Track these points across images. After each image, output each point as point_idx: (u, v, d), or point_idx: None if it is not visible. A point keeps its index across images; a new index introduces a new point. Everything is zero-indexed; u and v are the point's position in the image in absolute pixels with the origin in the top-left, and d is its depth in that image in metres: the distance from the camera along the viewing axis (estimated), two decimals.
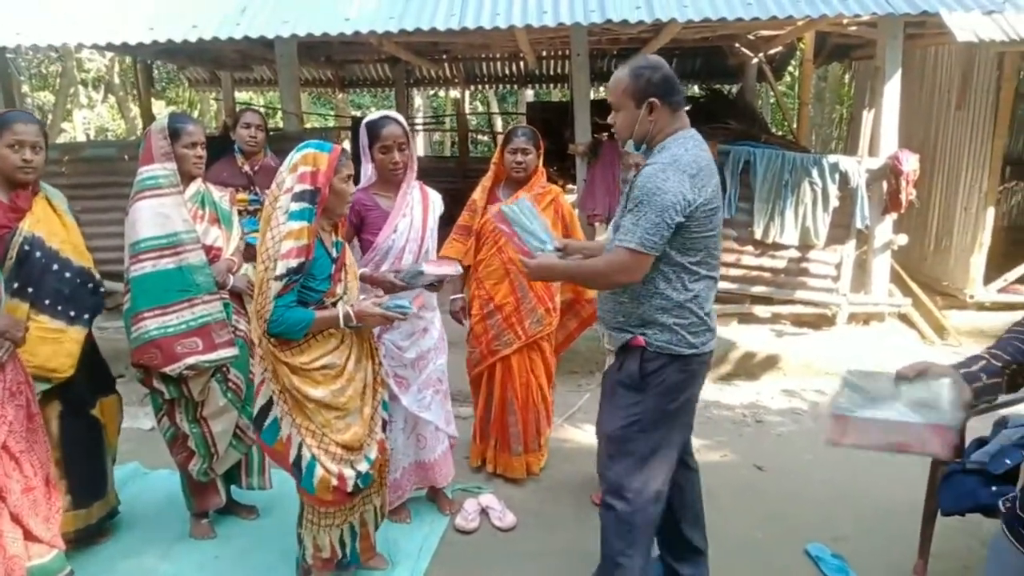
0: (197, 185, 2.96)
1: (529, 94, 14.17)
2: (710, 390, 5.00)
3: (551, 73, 10.92)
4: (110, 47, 6.01)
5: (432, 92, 15.87)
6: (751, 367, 5.21)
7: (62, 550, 2.26)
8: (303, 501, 2.56)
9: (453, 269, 2.88)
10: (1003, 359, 1.46)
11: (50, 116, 13.71)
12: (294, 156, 2.32)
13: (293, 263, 2.22)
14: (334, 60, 9.51)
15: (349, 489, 2.44)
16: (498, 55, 10.04)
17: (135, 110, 15.09)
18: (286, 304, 2.24)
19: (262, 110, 4.81)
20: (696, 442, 4.00)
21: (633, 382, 2.32)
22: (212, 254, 2.93)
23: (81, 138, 15.26)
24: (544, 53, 9.52)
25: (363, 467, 2.47)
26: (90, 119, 16.73)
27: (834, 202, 5.35)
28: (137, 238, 2.76)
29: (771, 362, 5.19)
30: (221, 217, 3.02)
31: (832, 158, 5.40)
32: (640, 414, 2.32)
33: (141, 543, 3.10)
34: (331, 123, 13.19)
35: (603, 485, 2.46)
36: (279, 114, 9.54)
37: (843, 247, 5.52)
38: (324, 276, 2.35)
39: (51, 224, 2.75)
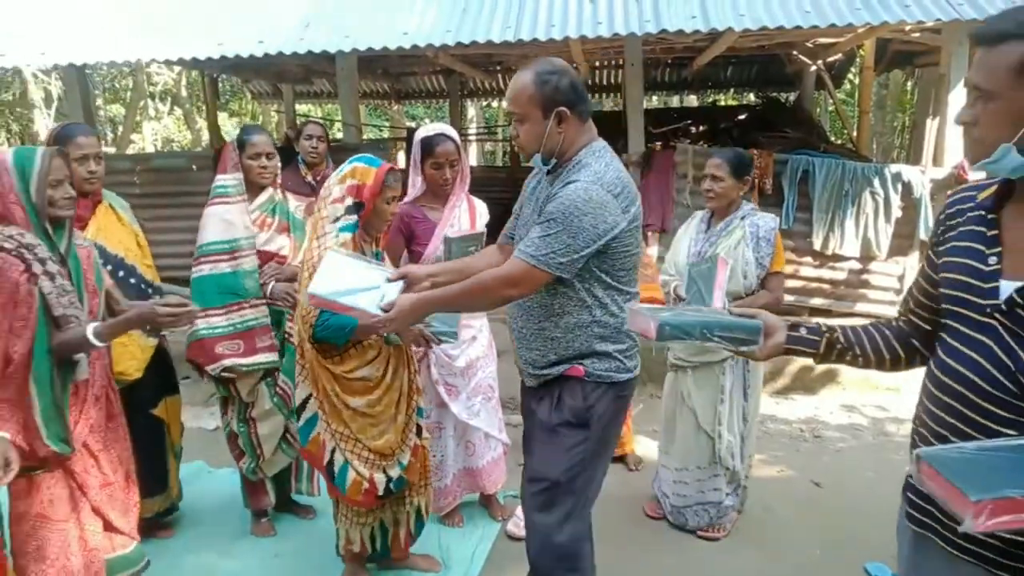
0: (269, 194, 3.07)
1: None
2: (766, 404, 4.92)
3: (603, 83, 10.92)
4: (181, 62, 6.27)
5: (485, 103, 16.01)
6: (809, 381, 5.10)
7: (139, 542, 2.37)
8: (337, 500, 2.66)
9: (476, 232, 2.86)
10: (835, 328, 1.50)
11: (120, 128, 14.33)
12: (344, 168, 2.44)
13: None
14: (391, 73, 9.70)
15: (380, 493, 2.53)
16: None
17: (200, 122, 15.68)
18: None
19: (323, 122, 4.95)
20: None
21: (578, 418, 2.11)
22: (276, 261, 3.04)
23: (150, 149, 15.90)
24: (597, 63, 9.53)
25: (395, 472, 2.55)
26: (157, 131, 17.42)
27: (896, 212, 5.21)
28: (202, 242, 2.94)
29: (830, 376, 5.07)
30: (292, 226, 3.13)
31: (895, 168, 5.26)
32: (584, 451, 2.14)
33: (205, 539, 3.22)
34: (386, 134, 13.43)
35: (535, 534, 2.23)
36: (336, 125, 9.80)
37: (906, 259, 5.35)
38: None
39: (114, 231, 2.90)
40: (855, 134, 7.93)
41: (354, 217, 2.39)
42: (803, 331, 1.48)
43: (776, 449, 4.20)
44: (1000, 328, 1.21)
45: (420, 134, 3.04)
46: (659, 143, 7.88)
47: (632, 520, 3.37)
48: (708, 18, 4.64)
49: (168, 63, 8.36)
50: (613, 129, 8.02)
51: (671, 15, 4.72)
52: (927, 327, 1.44)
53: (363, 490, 2.51)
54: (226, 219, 2.92)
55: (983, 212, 1.29)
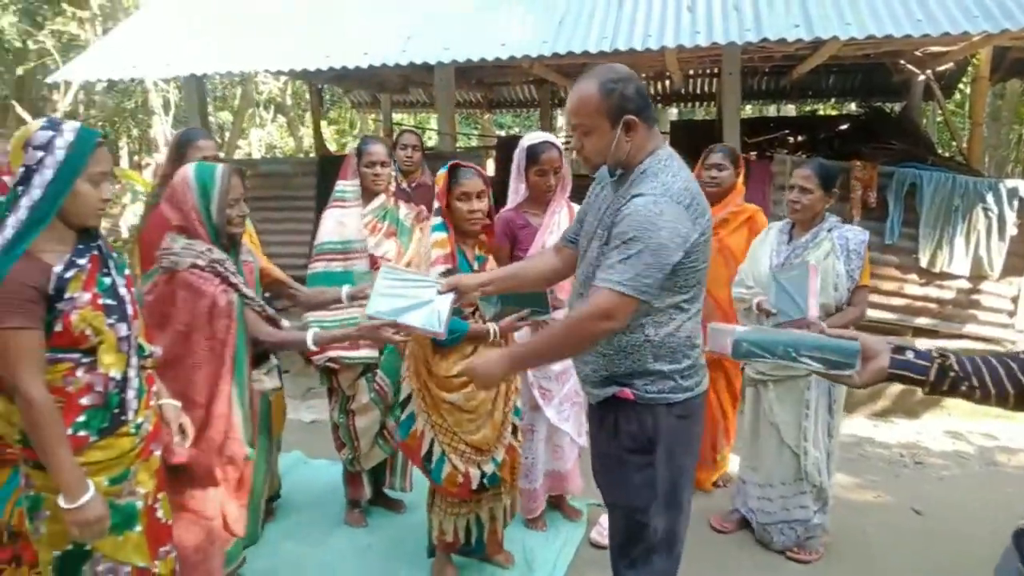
0: (381, 200, 3.21)
1: (673, 112, 14.01)
2: (863, 426, 4.73)
3: (697, 91, 10.75)
4: (291, 73, 6.61)
5: None
6: (911, 405, 4.87)
7: (241, 537, 2.52)
8: (432, 491, 2.76)
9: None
10: (947, 353, 1.33)
11: (227, 134, 15.14)
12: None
13: (441, 269, 2.47)
14: (484, 82, 9.88)
15: (474, 487, 2.61)
16: (643, 74, 10.03)
17: (303, 129, 16.39)
18: None
19: (418, 131, 5.11)
20: (847, 479, 3.84)
21: (638, 444, 2.00)
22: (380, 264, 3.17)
23: (255, 155, 16.74)
24: (691, 71, 9.41)
25: (489, 468, 2.64)
26: (261, 137, 18.32)
27: (1011, 230, 4.91)
28: (319, 241, 3.12)
29: (934, 400, 4.82)
30: (399, 231, 3.25)
31: (1010, 182, 4.97)
32: (653, 476, 2.01)
33: (301, 527, 3.38)
34: (474, 142, 13.68)
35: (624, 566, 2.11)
36: (427, 133, 10.05)
37: (1021, 279, 5.04)
38: None
39: None
40: (966, 146, 7.52)
41: (439, 219, 2.56)
42: (910, 355, 1.34)
43: (874, 474, 4.03)
44: None
45: (525, 142, 3.10)
46: (754, 153, 7.72)
47: (708, 537, 3.31)
48: (812, 26, 4.51)
49: (279, 73, 8.80)
50: (705, 138, 7.92)
51: (772, 23, 4.62)
52: None
53: (458, 482, 2.61)
54: (341, 221, 3.09)
55: None
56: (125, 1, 11.77)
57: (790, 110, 13.43)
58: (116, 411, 1.79)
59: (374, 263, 3.13)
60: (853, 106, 10.55)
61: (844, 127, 8.58)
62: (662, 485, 2.02)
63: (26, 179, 1.66)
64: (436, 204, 2.62)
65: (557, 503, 3.45)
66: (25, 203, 1.65)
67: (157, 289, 2.16)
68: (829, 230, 3.02)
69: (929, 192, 5.00)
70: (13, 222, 1.65)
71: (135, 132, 15.73)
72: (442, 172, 2.60)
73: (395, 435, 3.18)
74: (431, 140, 10.55)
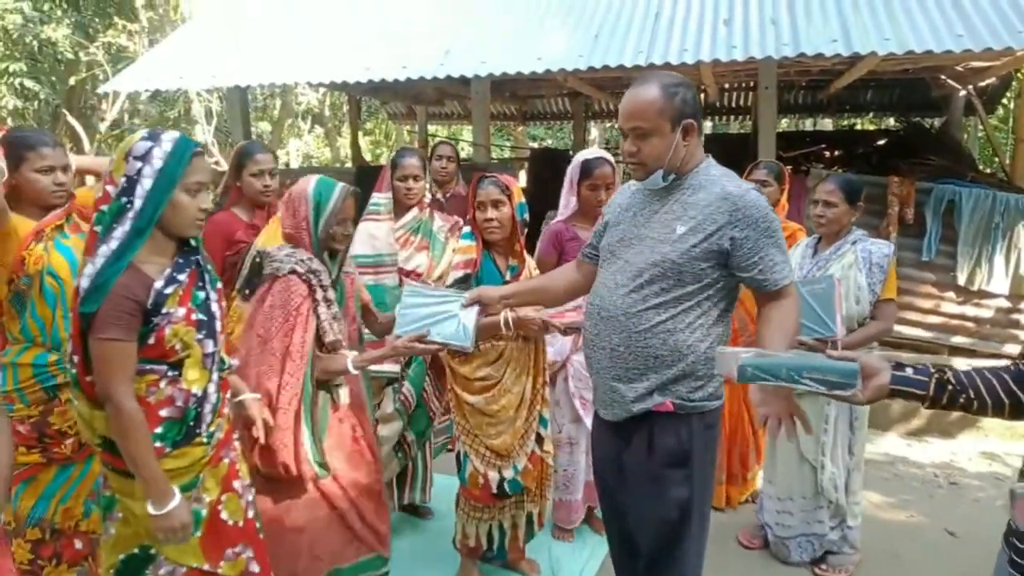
0: (414, 213, 3.25)
1: (707, 126, 13.96)
2: (897, 445, 4.67)
3: (732, 105, 10.71)
4: (332, 85, 6.75)
5: (609, 124, 16.08)
6: (946, 424, 4.79)
7: (385, 555, 2.52)
8: (459, 491, 2.81)
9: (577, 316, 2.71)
10: (945, 368, 1.40)
11: (266, 144, 15.50)
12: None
13: (459, 273, 2.58)
14: (519, 95, 9.97)
15: (493, 490, 2.66)
16: None
17: (340, 140, 16.67)
18: None
19: (453, 143, 5.20)
20: (879, 499, 3.80)
21: (677, 459, 1.99)
22: (413, 278, 3.22)
23: (294, 164, 17.06)
24: (727, 85, 9.38)
25: (509, 473, 2.67)
26: (299, 148, 18.67)
27: None
28: (350, 254, 3.13)
29: (969, 421, 4.74)
30: (432, 245, 3.29)
31: None
32: (690, 490, 2.02)
33: None
34: (507, 154, 13.77)
35: None
36: (460, 144, 10.16)
37: None
38: None
39: (279, 240, 3.17)
40: (1009, 163, 7.37)
41: (469, 228, 2.66)
42: (910, 371, 1.41)
43: (907, 493, 3.97)
44: None
45: (580, 157, 3.14)
46: (789, 167, 7.66)
47: (736, 552, 3.31)
48: (850, 42, 4.50)
49: (319, 85, 8.99)
50: (739, 152, 7.90)
51: (810, 38, 4.62)
52: None
53: (479, 484, 2.66)
54: (372, 234, 3.12)
55: None
56: (172, 14, 12.14)
57: (827, 124, 13.28)
58: (191, 424, 1.81)
59: (404, 277, 3.18)
60: (892, 121, 10.40)
61: (882, 142, 8.47)
62: (698, 497, 2.03)
63: (128, 190, 1.70)
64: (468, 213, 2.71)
65: (587, 515, 3.46)
66: (130, 214, 1.69)
67: (262, 294, 2.22)
68: (853, 243, 3.02)
69: (968, 209, 4.93)
70: (119, 233, 1.69)
71: None
72: (472, 183, 2.68)
73: (414, 447, 3.22)
74: (465, 151, 10.65)
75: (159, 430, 1.76)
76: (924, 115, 9.55)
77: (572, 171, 3.12)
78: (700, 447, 2.02)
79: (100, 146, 12.41)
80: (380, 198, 3.18)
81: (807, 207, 5.26)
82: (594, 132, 16.62)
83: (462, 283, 2.57)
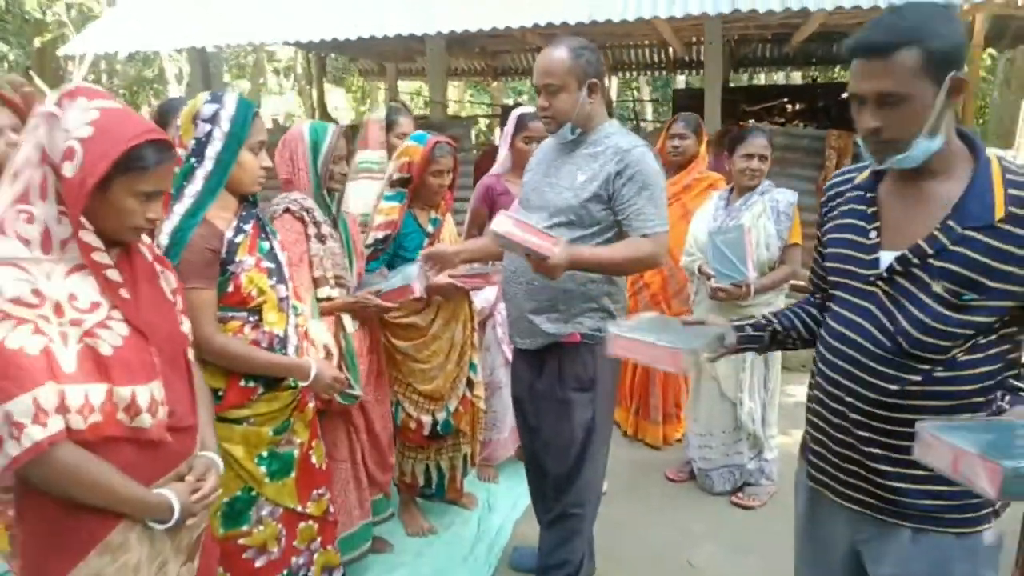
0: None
1: (680, 81, 13.97)
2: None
3: (700, 59, 10.75)
4: (298, 44, 6.77)
5: None
6: None
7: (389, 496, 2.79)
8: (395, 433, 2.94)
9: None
10: (771, 319, 1.62)
11: None
12: (401, 146, 2.71)
13: (380, 235, 2.65)
14: (487, 51, 9.99)
15: (426, 433, 2.83)
16: (645, 42, 10.06)
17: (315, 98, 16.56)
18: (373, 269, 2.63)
19: (407, 103, 5.29)
20: (796, 435, 3.98)
21: (584, 384, 2.24)
22: None
23: (268, 123, 16.97)
24: (694, 39, 9.43)
25: (441, 416, 2.84)
26: (280, 105, 18.57)
27: None
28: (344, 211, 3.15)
29: None
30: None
31: (994, 151, 5.03)
32: (593, 412, 2.27)
33: None
34: (478, 111, 13.77)
35: (557, 500, 2.38)
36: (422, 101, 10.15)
37: None
38: (415, 246, 2.71)
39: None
40: (959, 112, 7.51)
41: (398, 189, 2.69)
42: (749, 330, 1.62)
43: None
44: (881, 295, 1.35)
45: (517, 111, 3.22)
46: (752, 121, 7.77)
47: (662, 487, 3.54)
48: None
49: (278, 43, 8.98)
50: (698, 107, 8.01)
51: None
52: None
53: (411, 428, 2.84)
54: (365, 195, 3.01)
55: (862, 192, 1.43)
56: None
57: (797, 78, 13.32)
58: None
59: None
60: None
61: (845, 96, 8.56)
62: (600, 419, 2.29)
63: (198, 151, 1.77)
64: (397, 174, 2.70)
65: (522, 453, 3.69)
66: (200, 174, 1.76)
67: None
68: (762, 193, 3.18)
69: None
70: (191, 191, 1.76)
71: (154, 102, 16.07)
72: (418, 145, 2.68)
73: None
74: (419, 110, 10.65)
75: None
76: None
77: (509, 124, 3.24)
78: (604, 374, 2.27)
79: None
80: (372, 156, 3.14)
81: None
82: None
83: (381, 243, 2.68)
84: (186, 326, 1.53)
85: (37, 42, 11.88)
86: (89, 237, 1.30)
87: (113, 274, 1.33)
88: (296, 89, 17.95)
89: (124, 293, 1.34)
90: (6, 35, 11.30)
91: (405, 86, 13.69)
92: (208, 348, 1.75)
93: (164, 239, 1.73)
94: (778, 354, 3.33)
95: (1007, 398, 1.27)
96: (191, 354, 1.55)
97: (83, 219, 1.28)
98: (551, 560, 2.43)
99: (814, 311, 1.62)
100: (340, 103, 18.11)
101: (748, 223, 3.07)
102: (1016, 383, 1.31)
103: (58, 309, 1.25)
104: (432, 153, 2.67)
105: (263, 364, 1.87)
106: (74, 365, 1.24)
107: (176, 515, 1.36)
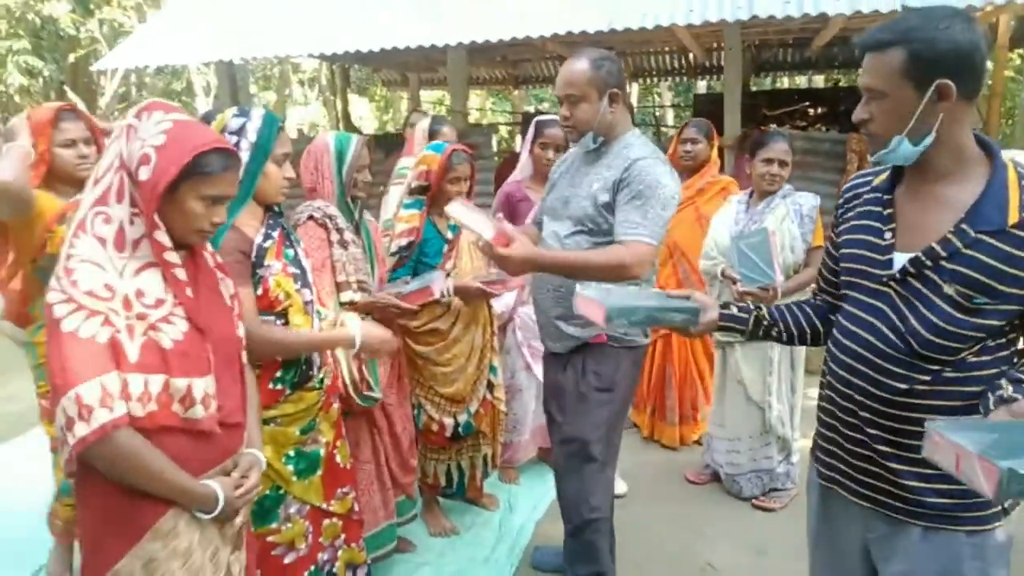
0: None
1: (702, 86, 13.93)
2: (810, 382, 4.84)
3: (720, 65, 10.72)
4: (314, 56, 6.91)
5: None
6: None
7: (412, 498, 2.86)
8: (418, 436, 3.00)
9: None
10: (759, 306, 1.65)
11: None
12: (420, 154, 2.79)
13: (403, 242, 2.72)
14: (508, 60, 10.06)
15: (448, 434, 2.89)
16: (666, 49, 10.07)
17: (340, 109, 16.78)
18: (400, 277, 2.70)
19: (428, 111, 5.38)
20: None
21: (604, 384, 2.31)
22: None
23: (292, 133, 17.24)
24: (714, 44, 9.42)
25: (463, 418, 2.91)
26: (305, 116, 18.84)
27: None
28: (383, 217, 3.22)
29: None
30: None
31: (1014, 152, 4.99)
32: (611, 413, 2.35)
33: None
34: (500, 118, 13.83)
35: (569, 501, 2.46)
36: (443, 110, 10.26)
37: None
38: (435, 252, 2.79)
39: None
40: (984, 116, 7.42)
41: (417, 197, 2.78)
42: (734, 310, 1.65)
43: None
44: (894, 295, 1.38)
45: (537, 119, 3.31)
46: (773, 125, 7.74)
47: (683, 488, 3.57)
48: (802, 3, 4.61)
49: (300, 57, 9.15)
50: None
51: (765, 1, 4.72)
52: (836, 302, 1.60)
53: (434, 430, 2.90)
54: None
55: (879, 194, 1.45)
56: None
57: (820, 82, 13.22)
58: (305, 367, 1.97)
59: None
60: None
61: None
62: (616, 419, 2.38)
63: None
64: (415, 182, 2.77)
65: (544, 455, 3.73)
66: None
67: None
68: (784, 196, 3.20)
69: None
70: None
71: None
72: (435, 154, 2.75)
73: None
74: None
75: (279, 373, 1.92)
76: None
77: (529, 131, 3.32)
78: (624, 379, 2.35)
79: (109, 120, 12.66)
80: (411, 162, 3.14)
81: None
82: None
83: (405, 250, 2.75)
84: (241, 330, 1.61)
85: (71, 58, 12.23)
86: (162, 237, 1.40)
87: (180, 273, 1.43)
88: (321, 100, 18.20)
89: (188, 292, 1.44)
90: (41, 51, 11.64)
91: (427, 95, 13.84)
92: (253, 337, 1.78)
93: None
94: (802, 357, 3.35)
95: (1011, 389, 1.28)
96: (245, 357, 1.63)
97: (157, 219, 1.39)
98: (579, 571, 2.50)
99: (808, 310, 1.66)
100: (364, 113, 18.35)
101: (772, 226, 3.10)
102: (1019, 375, 1.32)
103: (127, 303, 1.35)
104: (449, 161, 2.74)
105: (306, 343, 1.95)
106: (137, 356, 1.34)
107: (220, 506, 1.43)
